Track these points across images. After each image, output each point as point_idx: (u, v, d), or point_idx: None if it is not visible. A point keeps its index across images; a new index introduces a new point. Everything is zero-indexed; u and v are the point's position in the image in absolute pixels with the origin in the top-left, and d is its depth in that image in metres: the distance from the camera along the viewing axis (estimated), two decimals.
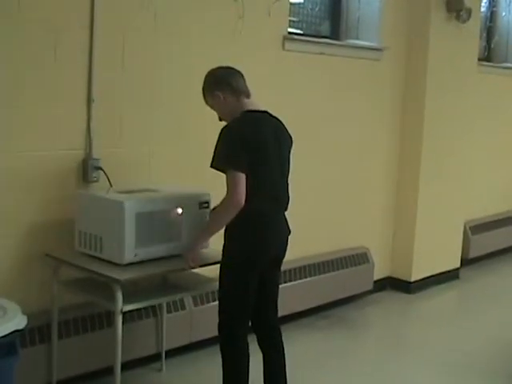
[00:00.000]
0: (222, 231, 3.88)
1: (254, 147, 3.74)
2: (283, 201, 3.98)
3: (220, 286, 3.94)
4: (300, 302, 5.80)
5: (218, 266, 3.92)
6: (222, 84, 3.91)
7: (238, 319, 3.93)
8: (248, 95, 3.96)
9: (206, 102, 4.02)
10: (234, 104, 3.90)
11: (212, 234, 3.93)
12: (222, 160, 3.73)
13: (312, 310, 5.89)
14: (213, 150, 3.75)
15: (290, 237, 4.05)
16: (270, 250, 3.92)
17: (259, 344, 4.11)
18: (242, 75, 3.98)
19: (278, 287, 4.16)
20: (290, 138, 4.06)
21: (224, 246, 3.88)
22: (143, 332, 4.69)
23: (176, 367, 4.89)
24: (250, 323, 4.03)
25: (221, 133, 3.78)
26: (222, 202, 3.77)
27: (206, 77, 4.01)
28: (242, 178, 3.67)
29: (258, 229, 3.83)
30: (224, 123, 3.91)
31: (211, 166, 3.75)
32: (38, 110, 4.16)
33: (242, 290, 3.87)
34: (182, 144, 4.94)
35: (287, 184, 4.01)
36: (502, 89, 8.49)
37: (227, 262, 3.88)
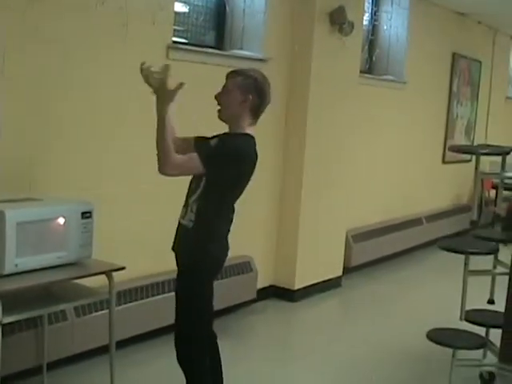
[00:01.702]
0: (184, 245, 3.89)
1: (247, 173, 3.98)
2: None
3: (185, 299, 3.87)
4: None
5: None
6: (261, 96, 3.84)
7: (202, 331, 3.90)
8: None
9: (226, 86, 3.86)
10: (245, 118, 3.88)
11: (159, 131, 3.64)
12: (210, 156, 3.70)
13: None
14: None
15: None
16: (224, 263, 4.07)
17: None
18: None
19: None
20: None
21: (190, 259, 3.85)
22: (24, 344, 4.57)
23: (58, 380, 4.79)
24: None
25: (227, 139, 3.84)
26: (172, 156, 3.59)
27: (255, 75, 3.87)
28: (192, 168, 3.65)
29: (222, 243, 4.00)
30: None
31: (195, 148, 3.73)
32: None
33: (208, 302, 3.89)
34: (66, 151, 4.86)
35: None
36: (382, 100, 8.71)
37: (195, 274, 3.83)
